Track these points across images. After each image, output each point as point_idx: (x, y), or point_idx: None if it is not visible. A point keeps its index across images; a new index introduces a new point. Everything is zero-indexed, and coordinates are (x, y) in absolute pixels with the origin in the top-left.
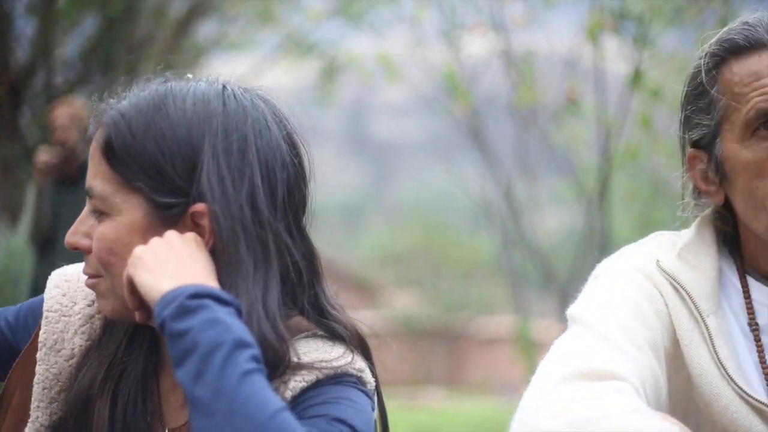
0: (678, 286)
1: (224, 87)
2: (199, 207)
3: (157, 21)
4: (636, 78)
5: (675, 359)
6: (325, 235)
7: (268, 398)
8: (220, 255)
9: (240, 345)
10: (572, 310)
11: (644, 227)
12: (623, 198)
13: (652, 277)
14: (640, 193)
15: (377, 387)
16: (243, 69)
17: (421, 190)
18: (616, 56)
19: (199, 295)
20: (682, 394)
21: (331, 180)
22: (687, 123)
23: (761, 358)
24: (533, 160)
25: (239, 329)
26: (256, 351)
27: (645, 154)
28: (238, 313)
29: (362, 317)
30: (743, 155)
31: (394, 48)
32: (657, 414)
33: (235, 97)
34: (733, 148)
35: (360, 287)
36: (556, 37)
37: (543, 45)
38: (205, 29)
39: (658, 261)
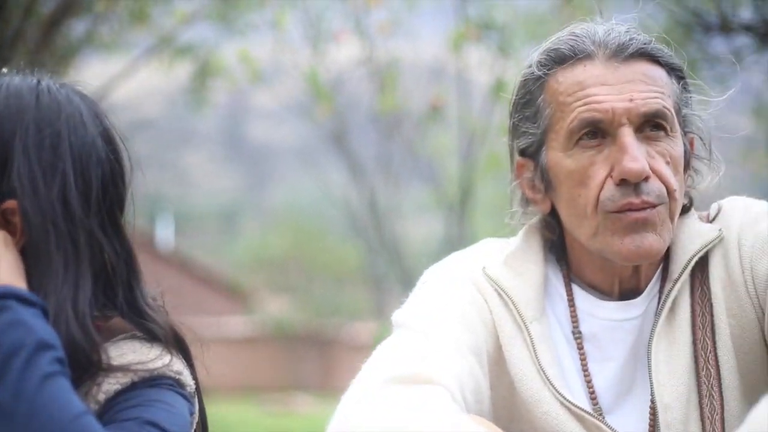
0: (502, 293)
1: (38, 82)
2: (10, 204)
3: (27, 18)
4: (499, 87)
5: (498, 365)
6: (199, 240)
7: (70, 401)
8: (30, 254)
9: (42, 347)
10: (398, 315)
11: (509, 236)
12: (488, 206)
13: (477, 284)
14: (504, 202)
15: (197, 389)
16: (116, 69)
17: (294, 195)
18: (480, 65)
19: (2, 296)
20: (506, 400)
21: (205, 184)
22: (515, 131)
23: (584, 365)
24: (397, 168)
25: (42, 330)
26: (59, 353)
27: (508, 163)
28: (45, 313)
29: (234, 322)
30: (567, 164)
31: (262, 53)
32: (468, 418)
33: (49, 92)
34: (557, 156)
35: (233, 292)
36: (422, 46)
37: (408, 53)
38: (78, 28)
39: (484, 267)
